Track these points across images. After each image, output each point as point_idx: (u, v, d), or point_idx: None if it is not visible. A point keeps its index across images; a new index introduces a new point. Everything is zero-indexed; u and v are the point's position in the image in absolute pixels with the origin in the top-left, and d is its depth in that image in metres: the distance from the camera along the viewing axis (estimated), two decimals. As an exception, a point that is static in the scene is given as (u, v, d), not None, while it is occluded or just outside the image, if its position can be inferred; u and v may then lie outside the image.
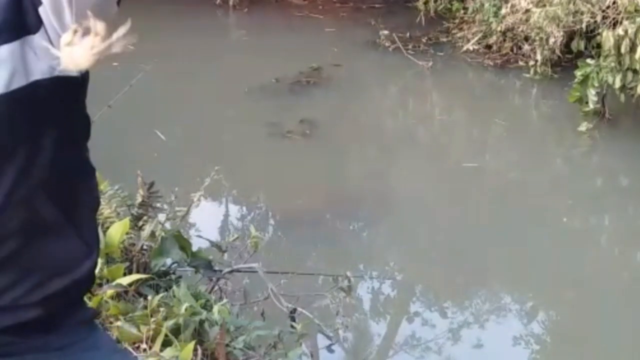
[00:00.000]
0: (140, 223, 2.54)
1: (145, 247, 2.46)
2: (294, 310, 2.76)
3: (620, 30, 4.63)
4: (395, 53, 6.21)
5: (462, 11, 6.64)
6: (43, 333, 1.15)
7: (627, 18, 4.76)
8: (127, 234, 2.38)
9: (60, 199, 1.11)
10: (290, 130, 4.82)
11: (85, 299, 1.78)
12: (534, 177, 4.53)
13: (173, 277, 2.53)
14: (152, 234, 2.49)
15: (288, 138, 4.76)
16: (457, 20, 6.67)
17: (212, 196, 3.72)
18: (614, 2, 5.08)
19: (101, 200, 2.46)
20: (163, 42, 6.16)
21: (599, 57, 4.83)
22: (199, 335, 2.15)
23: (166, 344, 2.04)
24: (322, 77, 5.70)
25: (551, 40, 5.54)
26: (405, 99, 5.88)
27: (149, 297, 2.12)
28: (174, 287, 2.31)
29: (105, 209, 2.42)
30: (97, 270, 2.08)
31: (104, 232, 2.32)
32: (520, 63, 5.93)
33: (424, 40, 6.47)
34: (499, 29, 6.01)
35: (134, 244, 2.40)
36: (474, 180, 4.45)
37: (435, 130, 5.32)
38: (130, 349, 2.03)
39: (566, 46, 5.61)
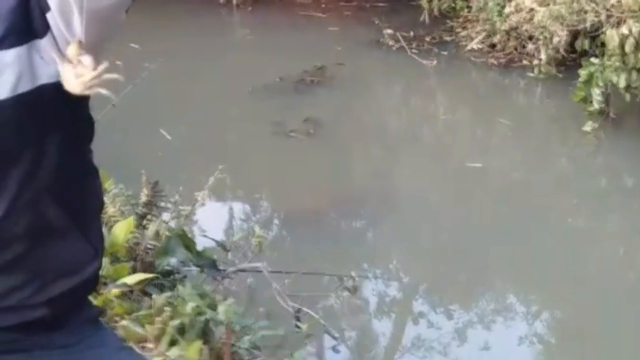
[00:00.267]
0: (145, 222, 2.54)
1: (149, 246, 2.46)
2: (299, 310, 2.76)
3: (624, 29, 4.62)
4: (399, 52, 6.20)
5: (466, 10, 6.62)
6: (48, 331, 1.16)
7: (632, 17, 4.74)
8: (131, 233, 2.38)
9: (65, 201, 1.12)
10: (294, 130, 4.81)
11: (91, 298, 1.78)
12: (538, 176, 4.52)
13: (178, 276, 2.53)
14: (157, 233, 2.49)
15: (292, 137, 4.76)
16: (461, 19, 6.65)
17: (216, 195, 3.71)
18: (618, 1, 5.06)
19: (106, 198, 2.46)
20: (167, 41, 6.17)
21: (603, 56, 4.82)
22: (205, 334, 2.15)
23: (172, 343, 2.04)
24: (326, 76, 5.70)
25: (555, 39, 5.52)
26: (409, 98, 5.87)
27: (154, 297, 2.12)
28: (179, 287, 2.32)
29: (110, 208, 2.42)
30: (102, 269, 2.08)
31: (109, 230, 2.32)
32: (525, 62, 5.92)
33: (427, 39, 6.46)
34: (503, 27, 6.00)
35: (138, 243, 2.40)
36: (477, 179, 4.44)
37: (439, 130, 5.31)
38: (135, 348, 2.03)
39: (570, 45, 5.60)
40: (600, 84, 4.70)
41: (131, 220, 2.38)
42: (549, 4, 5.56)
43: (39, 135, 1.07)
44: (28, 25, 1.03)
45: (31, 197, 1.08)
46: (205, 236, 3.13)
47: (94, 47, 1.06)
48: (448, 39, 6.52)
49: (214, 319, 2.18)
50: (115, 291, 2.11)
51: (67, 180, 1.11)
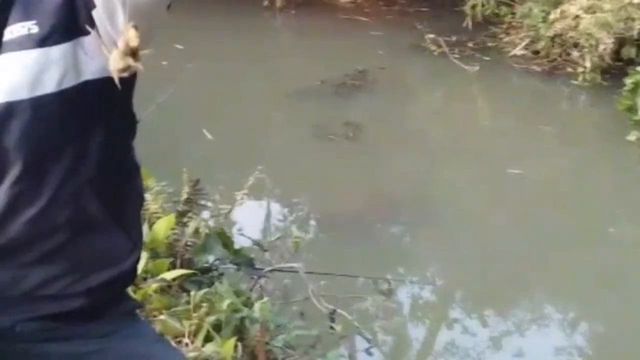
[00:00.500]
0: (185, 219, 2.59)
1: (189, 243, 2.50)
2: (333, 312, 2.77)
3: (673, 38, 4.53)
4: (440, 57, 6.17)
5: (510, 16, 6.56)
6: (87, 321, 1.19)
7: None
8: (172, 229, 2.43)
9: (106, 196, 1.15)
10: (334, 133, 4.83)
11: (130, 291, 1.82)
12: (580, 185, 4.46)
13: (215, 273, 2.57)
14: (196, 231, 2.54)
15: (332, 140, 4.78)
16: (504, 25, 6.59)
17: (255, 195, 3.75)
18: (667, 9, 4.97)
19: (148, 195, 2.52)
20: (211, 43, 6.25)
21: (650, 64, 4.73)
22: (240, 332, 2.18)
23: (207, 339, 2.07)
24: (367, 80, 5.70)
25: (601, 47, 5.43)
26: (450, 103, 5.84)
27: (192, 293, 2.16)
28: (216, 284, 2.36)
29: (152, 205, 2.47)
30: (142, 264, 2.13)
31: (150, 226, 2.37)
32: (569, 69, 5.83)
33: (470, 44, 6.42)
34: (547, 34, 5.92)
35: (178, 240, 2.45)
36: (518, 187, 4.39)
37: (479, 136, 5.27)
38: (172, 342, 2.07)
39: (616, 53, 5.49)
40: (647, 93, 4.62)
41: (172, 217, 2.43)
42: (595, 12, 5.47)
43: (82, 131, 1.10)
44: (74, 23, 1.06)
45: (73, 190, 1.11)
46: (242, 235, 3.17)
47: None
48: (491, 44, 6.47)
49: (250, 316, 2.21)
50: (154, 286, 2.16)
51: (109, 175, 1.15)
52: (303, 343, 2.44)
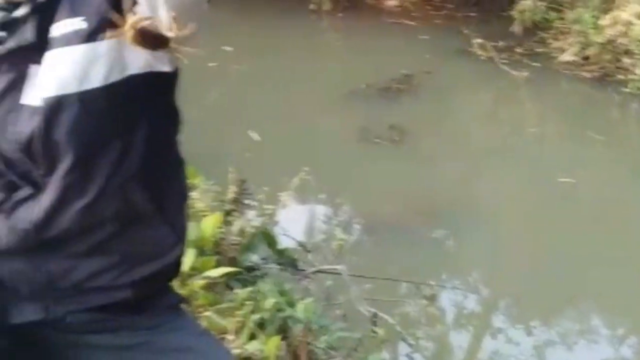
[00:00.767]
0: (231, 218, 2.62)
1: (234, 241, 2.53)
2: (375, 315, 2.77)
3: None
4: (488, 62, 6.11)
5: (559, 21, 6.46)
6: (133, 313, 1.21)
7: None
8: (218, 228, 2.46)
9: (151, 189, 1.17)
10: (379, 136, 4.82)
11: (176, 286, 1.85)
12: (631, 194, 4.35)
13: (259, 272, 2.59)
14: (242, 230, 2.56)
15: (377, 143, 4.77)
16: (553, 31, 6.49)
17: (299, 197, 3.78)
18: None
19: (195, 194, 2.56)
20: (258, 45, 6.31)
21: None
22: (283, 331, 2.19)
23: (251, 337, 2.09)
24: (413, 84, 5.68)
25: (653, 54, 5.32)
26: (496, 109, 5.77)
27: (237, 290, 2.19)
28: (260, 283, 2.38)
29: (199, 203, 2.51)
30: (189, 261, 2.17)
31: (197, 224, 2.40)
32: (620, 76, 5.71)
33: (518, 50, 6.34)
34: (597, 40, 5.82)
35: (224, 238, 2.48)
36: (567, 195, 4.32)
37: (527, 143, 5.20)
38: (216, 339, 2.09)
39: (670, 61, 5.37)
40: (702, 101, 4.49)
41: (218, 216, 2.46)
42: (648, 18, 5.36)
43: (128, 124, 1.12)
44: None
45: (120, 183, 1.13)
46: (287, 236, 3.19)
47: (179, 41, 1.12)
48: (539, 50, 6.38)
49: (293, 316, 2.22)
50: (200, 283, 2.19)
51: (154, 168, 1.17)
52: (345, 345, 2.44)
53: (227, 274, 2.33)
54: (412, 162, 4.65)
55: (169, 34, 1.06)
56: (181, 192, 1.27)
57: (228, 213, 2.67)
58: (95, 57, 1.08)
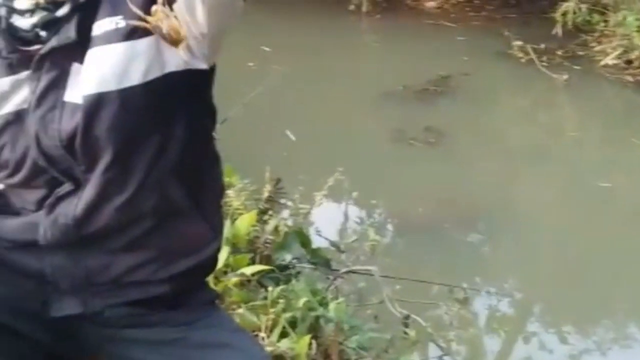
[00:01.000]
0: (266, 217, 2.65)
1: (268, 240, 2.55)
2: (407, 317, 2.76)
3: None
4: (527, 65, 6.03)
5: (602, 24, 6.35)
6: (169, 308, 1.24)
7: None
8: (253, 226, 2.49)
9: (188, 184, 1.20)
10: (414, 138, 4.81)
11: (211, 282, 1.88)
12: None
13: (292, 271, 2.61)
14: (276, 229, 2.59)
15: (412, 145, 4.76)
16: (596, 34, 6.38)
17: (333, 197, 3.79)
18: None
19: (231, 192, 2.59)
20: (296, 45, 6.34)
21: None
22: (314, 330, 2.20)
23: (283, 335, 2.11)
24: (450, 86, 5.64)
25: (700, 59, 5.19)
26: (535, 112, 5.70)
27: (270, 288, 2.21)
28: (293, 281, 2.39)
29: (235, 201, 2.54)
30: (223, 258, 2.20)
31: (232, 222, 2.43)
32: (664, 81, 5.60)
33: (559, 52, 6.24)
34: (641, 44, 5.72)
35: (258, 237, 2.50)
36: (606, 200, 4.25)
37: (566, 147, 5.13)
38: (249, 336, 2.12)
39: None
40: None
41: (253, 214, 2.49)
42: (695, 21, 5.24)
43: (165, 121, 1.16)
44: None
45: (157, 178, 1.17)
46: (320, 235, 3.20)
47: (215, 38, 1.14)
48: (581, 53, 6.27)
49: (325, 316, 2.23)
50: (234, 280, 2.22)
51: (191, 164, 1.20)
52: (376, 346, 2.44)
53: (260, 272, 2.36)
54: (447, 164, 4.62)
55: (183, 33, 1.08)
56: (217, 188, 1.30)
57: (263, 212, 2.69)
58: (134, 55, 1.11)
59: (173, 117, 1.16)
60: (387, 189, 4.38)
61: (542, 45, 6.29)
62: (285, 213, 2.90)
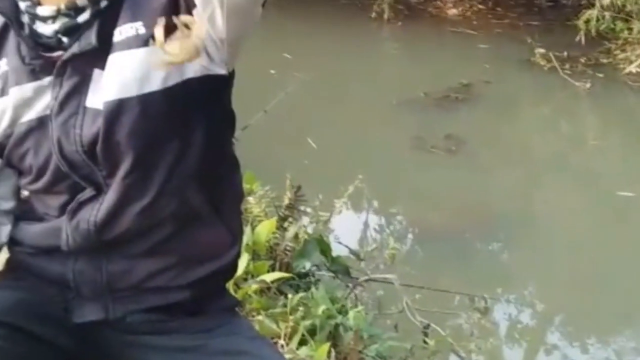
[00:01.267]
0: (286, 224, 2.65)
1: (288, 247, 2.55)
2: (427, 326, 2.74)
3: None
4: (550, 72, 5.99)
5: (626, 32, 6.29)
6: (189, 315, 1.23)
7: None
8: (273, 233, 2.49)
9: (208, 189, 1.20)
10: (434, 145, 4.79)
11: (231, 289, 1.88)
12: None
13: (312, 279, 2.61)
14: (296, 236, 2.59)
15: (432, 153, 4.74)
16: (620, 41, 6.32)
17: (354, 204, 3.78)
18: None
19: (252, 199, 2.60)
20: (318, 52, 6.35)
21: None
22: (334, 338, 2.20)
23: (302, 342, 2.10)
24: (472, 94, 5.62)
25: None
26: (557, 120, 5.66)
27: (289, 296, 2.20)
28: (313, 289, 2.39)
29: (255, 208, 2.55)
30: (243, 265, 2.20)
31: (253, 229, 2.44)
32: (689, 90, 5.53)
33: (582, 60, 6.20)
34: (666, 52, 5.65)
35: (278, 244, 2.50)
36: (628, 210, 4.19)
37: (587, 155, 5.08)
38: (268, 343, 2.11)
39: None
40: None
41: (273, 222, 2.49)
42: None
43: (185, 126, 1.15)
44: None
45: (177, 184, 1.16)
46: (340, 243, 3.19)
47: (234, 44, 1.14)
48: (604, 61, 6.22)
49: (344, 324, 2.23)
50: (254, 287, 2.22)
51: (210, 170, 1.19)
52: (395, 355, 2.43)
53: (280, 279, 2.36)
54: (468, 172, 4.60)
55: (198, 52, 1.08)
56: (236, 194, 1.29)
57: (283, 219, 2.69)
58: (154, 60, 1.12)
59: (192, 123, 1.16)
60: (407, 197, 4.37)
61: (565, 53, 6.24)
62: (305, 220, 2.89)
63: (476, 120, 5.36)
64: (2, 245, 1.26)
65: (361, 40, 6.90)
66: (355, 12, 7.42)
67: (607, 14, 6.36)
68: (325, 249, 2.67)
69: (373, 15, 7.36)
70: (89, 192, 1.18)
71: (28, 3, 1.15)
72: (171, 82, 1.12)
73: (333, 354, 2.13)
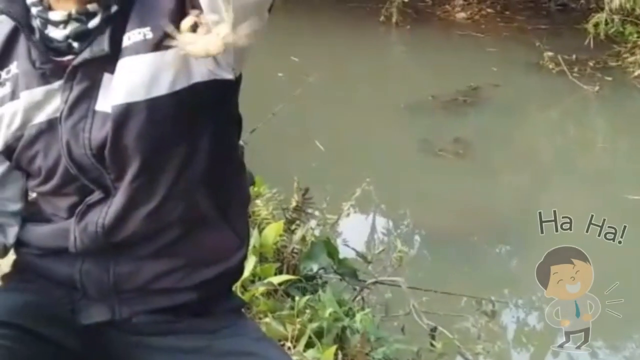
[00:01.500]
0: (293, 227, 2.65)
1: (296, 250, 2.56)
2: (434, 329, 2.74)
3: None
4: (558, 76, 5.98)
5: (635, 35, 6.27)
6: (196, 316, 1.24)
7: None
8: (280, 235, 2.50)
9: (214, 192, 1.21)
10: (442, 149, 4.79)
11: (237, 291, 1.89)
12: None
13: (319, 281, 2.61)
14: (303, 238, 2.59)
15: (440, 156, 4.74)
16: (629, 45, 6.30)
17: (361, 207, 3.78)
18: None
19: (259, 202, 2.61)
20: (326, 55, 6.37)
21: None
22: (340, 340, 2.20)
23: (309, 345, 2.11)
24: (480, 97, 5.61)
25: None
26: (565, 123, 5.64)
27: (297, 298, 2.21)
28: (320, 292, 2.40)
29: (263, 211, 2.55)
30: (251, 267, 2.21)
31: (260, 232, 2.44)
32: (699, 93, 5.50)
33: (591, 63, 6.18)
34: (676, 55, 5.63)
35: (286, 246, 2.51)
36: (636, 213, 4.18)
37: (596, 158, 5.06)
38: (274, 345, 2.12)
39: None
40: None
41: (281, 224, 2.50)
42: None
43: (192, 130, 1.17)
44: None
45: (184, 188, 1.17)
46: (347, 246, 3.20)
47: (241, 50, 1.15)
48: (613, 64, 6.20)
49: (351, 326, 2.23)
50: (261, 289, 2.23)
51: (217, 173, 1.20)
52: (402, 358, 2.43)
53: (287, 282, 2.36)
54: (476, 175, 4.59)
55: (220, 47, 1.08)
56: (243, 196, 1.30)
57: (291, 221, 2.70)
58: (162, 65, 1.13)
59: (199, 127, 1.17)
60: (415, 200, 4.37)
61: (574, 56, 6.22)
62: (313, 223, 2.90)
63: (484, 124, 5.36)
64: (9, 246, 1.27)
65: (369, 44, 6.90)
66: (364, 16, 7.43)
67: (616, 18, 6.34)
68: (332, 252, 2.67)
69: (381, 18, 7.37)
70: (97, 195, 1.20)
71: (40, 8, 1.17)
72: (178, 86, 1.13)
73: (340, 356, 2.14)
